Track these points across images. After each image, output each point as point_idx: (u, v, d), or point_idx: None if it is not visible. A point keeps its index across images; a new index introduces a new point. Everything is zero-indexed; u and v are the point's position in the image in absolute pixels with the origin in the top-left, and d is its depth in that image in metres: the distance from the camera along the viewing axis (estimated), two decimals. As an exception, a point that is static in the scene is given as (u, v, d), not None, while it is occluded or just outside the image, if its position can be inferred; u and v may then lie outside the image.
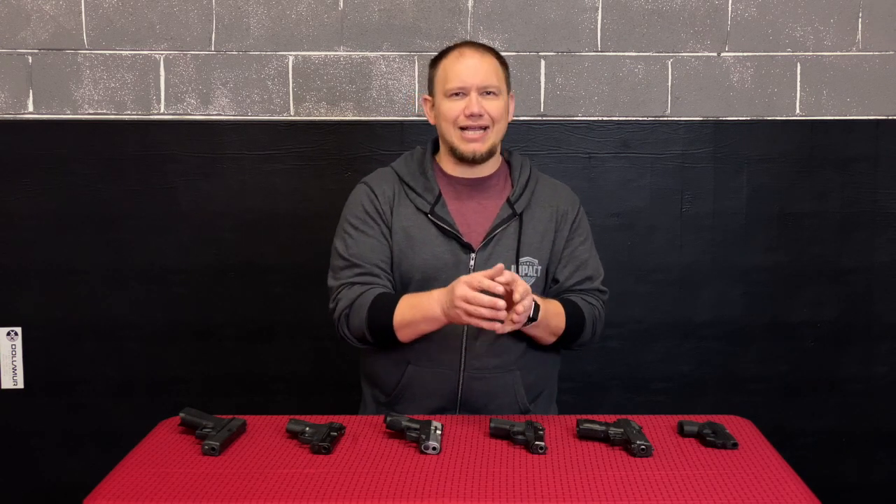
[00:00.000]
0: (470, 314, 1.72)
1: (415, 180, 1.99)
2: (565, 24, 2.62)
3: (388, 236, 1.96)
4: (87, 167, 2.63)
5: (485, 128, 1.94)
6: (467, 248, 1.94)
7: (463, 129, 1.94)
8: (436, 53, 2.06)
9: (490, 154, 1.97)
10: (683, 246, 2.68)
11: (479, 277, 1.73)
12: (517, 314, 1.73)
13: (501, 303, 1.71)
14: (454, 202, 1.98)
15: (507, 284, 1.73)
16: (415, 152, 2.05)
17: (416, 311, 1.85)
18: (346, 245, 1.96)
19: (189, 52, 2.61)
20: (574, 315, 1.95)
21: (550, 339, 1.95)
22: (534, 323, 1.83)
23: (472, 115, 1.92)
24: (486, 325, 1.73)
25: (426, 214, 1.95)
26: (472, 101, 1.92)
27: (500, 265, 1.75)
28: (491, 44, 2.59)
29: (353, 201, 2.01)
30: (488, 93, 1.94)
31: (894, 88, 2.65)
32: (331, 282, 1.98)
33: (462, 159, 1.96)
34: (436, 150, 2.07)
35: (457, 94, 1.94)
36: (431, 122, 2.03)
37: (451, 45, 2.03)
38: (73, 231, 2.64)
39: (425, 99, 2.06)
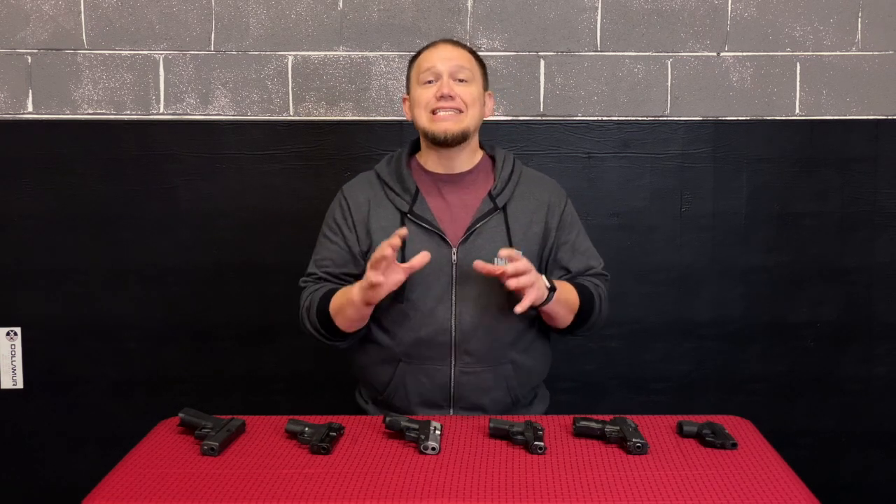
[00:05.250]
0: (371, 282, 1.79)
1: (393, 180, 2.02)
2: (565, 24, 2.62)
3: (357, 244, 2.00)
4: (87, 167, 2.63)
5: (458, 110, 1.95)
6: (449, 243, 1.95)
7: (434, 112, 1.95)
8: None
9: (463, 136, 1.96)
10: (683, 246, 2.68)
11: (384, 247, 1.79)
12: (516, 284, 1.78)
13: (388, 251, 1.76)
14: (435, 198, 2.00)
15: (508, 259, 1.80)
16: (395, 153, 2.08)
17: (343, 296, 1.92)
18: (316, 252, 2.07)
19: (188, 52, 2.61)
20: (585, 294, 1.98)
21: (570, 318, 1.97)
22: (555, 299, 1.87)
23: (443, 97, 1.94)
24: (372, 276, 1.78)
25: (406, 214, 1.97)
26: (444, 82, 1.95)
27: (403, 230, 1.82)
28: (490, 44, 2.60)
29: (329, 210, 2.08)
30: (461, 80, 1.96)
31: (894, 88, 2.65)
32: (301, 281, 2.08)
33: (435, 141, 1.97)
34: (417, 150, 2.09)
35: (430, 81, 1.97)
36: (409, 119, 2.05)
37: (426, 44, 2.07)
38: (73, 231, 2.64)
39: (404, 99, 2.08)
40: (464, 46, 2.04)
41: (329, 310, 1.93)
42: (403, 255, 1.94)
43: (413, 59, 2.04)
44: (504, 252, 1.82)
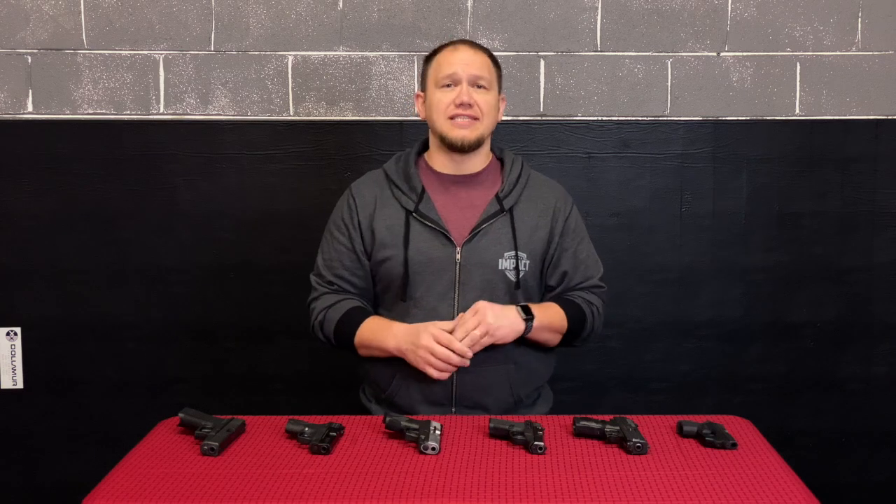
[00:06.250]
0: (431, 364, 1.85)
1: (400, 179, 2.02)
2: (565, 24, 2.62)
3: (362, 245, 2.01)
4: (87, 167, 2.63)
5: (474, 118, 1.96)
6: (454, 242, 1.96)
7: (452, 118, 1.96)
8: (435, 53, 2.07)
9: (478, 144, 1.99)
10: (683, 246, 2.68)
11: (449, 338, 1.84)
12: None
13: (467, 363, 1.85)
14: (441, 197, 2.00)
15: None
16: (404, 152, 2.09)
17: (373, 339, 1.95)
18: (324, 250, 2.06)
19: (188, 52, 2.61)
20: (575, 313, 2.01)
21: (556, 339, 2.02)
22: (535, 328, 1.92)
23: (462, 105, 1.95)
24: (439, 375, 1.86)
25: (411, 213, 1.97)
26: (463, 90, 1.95)
27: (460, 317, 1.88)
28: (490, 44, 2.60)
29: (337, 207, 2.09)
30: (479, 86, 1.97)
31: (894, 88, 2.65)
32: (312, 279, 2.07)
33: (451, 147, 1.98)
34: (425, 149, 2.09)
35: (448, 85, 1.97)
36: (422, 117, 2.06)
37: (447, 42, 2.06)
38: (73, 231, 2.64)
39: (417, 95, 2.09)
40: (484, 50, 2.03)
41: (354, 339, 1.97)
42: (406, 252, 1.95)
43: (430, 57, 2.04)
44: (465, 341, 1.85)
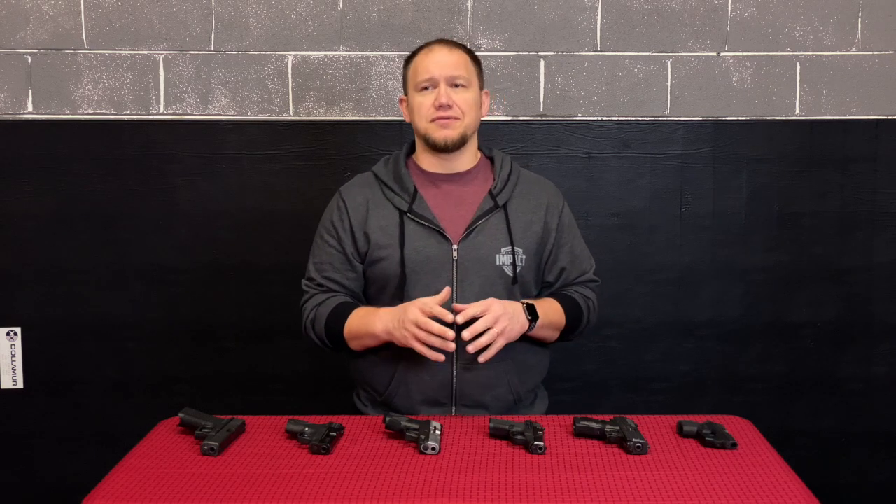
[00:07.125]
0: (418, 338, 1.79)
1: (391, 180, 2.02)
2: (565, 24, 2.62)
3: (354, 248, 2.00)
4: (87, 167, 2.63)
5: (455, 118, 1.96)
6: (450, 240, 1.96)
7: (434, 120, 1.96)
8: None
9: (462, 142, 1.98)
10: (683, 246, 2.68)
11: (432, 304, 1.80)
12: (471, 341, 1.81)
13: (451, 333, 1.78)
14: (434, 197, 2.00)
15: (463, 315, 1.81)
16: (393, 154, 2.09)
17: (362, 326, 1.93)
18: (314, 255, 2.06)
19: (188, 52, 2.61)
20: (573, 309, 2.03)
21: (555, 335, 2.03)
22: (537, 327, 1.92)
23: (441, 106, 1.94)
24: (430, 354, 1.79)
25: (405, 213, 1.97)
26: (441, 91, 1.95)
27: (447, 288, 1.83)
28: (490, 44, 2.60)
29: (327, 211, 2.08)
30: (457, 85, 1.97)
31: (894, 88, 2.65)
32: (303, 284, 2.07)
33: (435, 148, 1.98)
34: (413, 151, 2.10)
35: (426, 88, 1.97)
36: (407, 120, 2.06)
37: (423, 44, 2.05)
38: (73, 231, 2.64)
39: (401, 100, 2.09)
40: (460, 47, 2.03)
41: (344, 333, 1.95)
42: (403, 252, 1.95)
43: (408, 61, 2.04)
44: (460, 317, 1.81)
